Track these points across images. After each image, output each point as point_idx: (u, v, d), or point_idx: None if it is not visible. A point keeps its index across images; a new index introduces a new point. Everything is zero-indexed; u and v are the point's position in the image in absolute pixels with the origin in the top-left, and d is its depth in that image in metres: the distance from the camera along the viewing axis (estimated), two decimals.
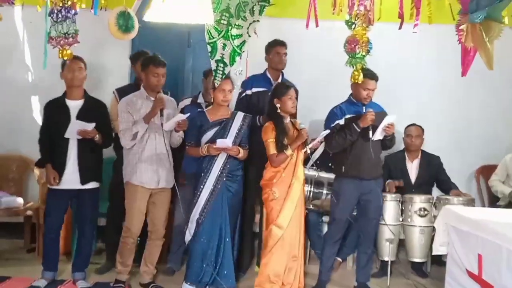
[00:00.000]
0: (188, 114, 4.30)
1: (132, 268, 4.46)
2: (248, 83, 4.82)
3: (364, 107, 4.37)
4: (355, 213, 4.57)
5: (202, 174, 4.25)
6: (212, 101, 4.44)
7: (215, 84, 4.28)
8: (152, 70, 4.25)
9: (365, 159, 4.34)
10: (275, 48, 4.80)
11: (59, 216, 4.38)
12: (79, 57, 4.29)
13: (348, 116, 4.36)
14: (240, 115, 4.38)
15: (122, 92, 4.76)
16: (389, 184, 5.03)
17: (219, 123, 4.30)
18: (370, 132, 4.29)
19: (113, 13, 4.18)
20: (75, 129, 4.18)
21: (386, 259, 4.71)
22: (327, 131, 4.29)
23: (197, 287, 4.19)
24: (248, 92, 4.79)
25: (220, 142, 4.16)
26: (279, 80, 4.83)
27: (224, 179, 4.24)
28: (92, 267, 4.67)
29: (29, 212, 5.26)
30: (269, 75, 4.84)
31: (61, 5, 3.82)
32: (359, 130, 4.27)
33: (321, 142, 4.61)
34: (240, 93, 4.84)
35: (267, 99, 4.62)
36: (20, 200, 5.24)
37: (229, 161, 4.26)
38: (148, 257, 4.43)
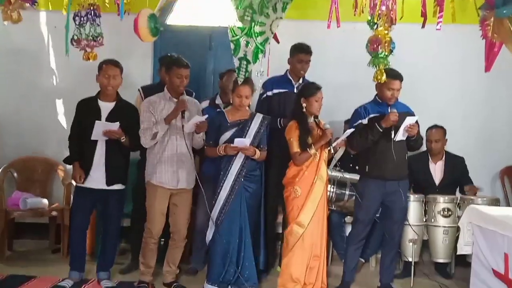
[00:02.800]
0: (207, 115, 4.33)
1: (156, 269, 4.50)
2: (268, 84, 4.82)
3: (389, 107, 4.34)
4: (378, 214, 4.55)
5: (221, 175, 4.27)
6: (230, 101, 4.46)
7: (239, 81, 4.28)
8: (176, 71, 4.28)
9: (387, 160, 4.31)
10: (298, 55, 4.75)
11: (85, 215, 4.43)
12: (116, 63, 4.32)
13: (372, 115, 4.35)
14: (259, 116, 4.40)
15: (147, 90, 4.84)
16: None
17: (237, 124, 4.32)
18: (392, 133, 4.28)
19: (143, 16, 4.13)
20: (100, 130, 4.20)
21: (409, 259, 4.68)
22: (351, 130, 4.28)
23: (219, 287, 4.21)
24: (269, 93, 4.79)
25: (238, 142, 4.17)
26: (300, 82, 4.82)
27: (242, 179, 4.25)
28: (116, 267, 4.71)
29: (54, 213, 5.31)
30: (290, 77, 4.83)
31: (86, 8, 3.90)
32: (381, 130, 4.25)
33: (345, 141, 4.60)
34: (261, 95, 4.84)
35: (288, 100, 4.62)
36: (45, 201, 5.31)
37: (247, 161, 4.27)
38: (170, 258, 4.47)
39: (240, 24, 4.18)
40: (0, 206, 5.11)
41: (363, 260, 5.10)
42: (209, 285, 4.25)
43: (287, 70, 4.87)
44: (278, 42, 4.79)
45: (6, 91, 5.77)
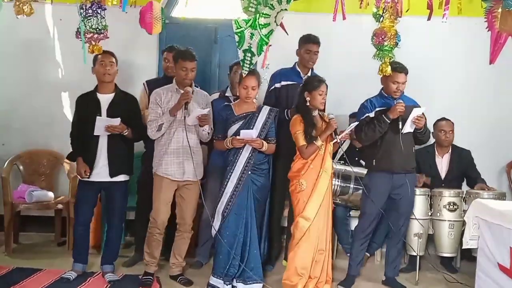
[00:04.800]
0: (209, 108, 4.33)
1: (160, 262, 4.52)
2: (277, 76, 4.80)
3: (394, 101, 4.32)
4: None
5: (228, 168, 4.26)
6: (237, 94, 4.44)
7: (243, 74, 4.27)
8: (181, 63, 4.29)
9: (395, 152, 4.30)
10: (306, 45, 4.74)
11: (89, 208, 4.43)
12: (111, 52, 4.34)
13: (378, 109, 4.33)
14: (266, 109, 4.38)
15: (152, 83, 4.85)
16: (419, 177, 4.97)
17: (244, 117, 4.30)
18: (400, 124, 4.26)
19: (157, 9, 4.13)
20: (102, 125, 4.21)
21: (414, 254, 4.67)
22: (356, 123, 4.27)
23: (224, 280, 4.20)
24: (277, 85, 4.77)
25: (244, 133, 4.15)
26: (309, 74, 4.80)
27: (250, 172, 4.23)
28: (120, 260, 4.71)
29: (59, 206, 5.33)
30: (298, 69, 4.81)
31: (91, 0, 3.91)
32: (388, 122, 4.23)
33: (350, 134, 4.58)
34: (269, 86, 4.81)
35: (296, 92, 4.60)
36: (51, 194, 5.33)
37: (255, 154, 4.25)
38: (176, 249, 4.48)
39: (245, 16, 4.17)
40: (6, 199, 5.13)
41: (368, 254, 5.09)
42: (214, 278, 4.24)
43: (295, 63, 4.84)
44: (287, 33, 4.77)
45: (12, 84, 5.77)
